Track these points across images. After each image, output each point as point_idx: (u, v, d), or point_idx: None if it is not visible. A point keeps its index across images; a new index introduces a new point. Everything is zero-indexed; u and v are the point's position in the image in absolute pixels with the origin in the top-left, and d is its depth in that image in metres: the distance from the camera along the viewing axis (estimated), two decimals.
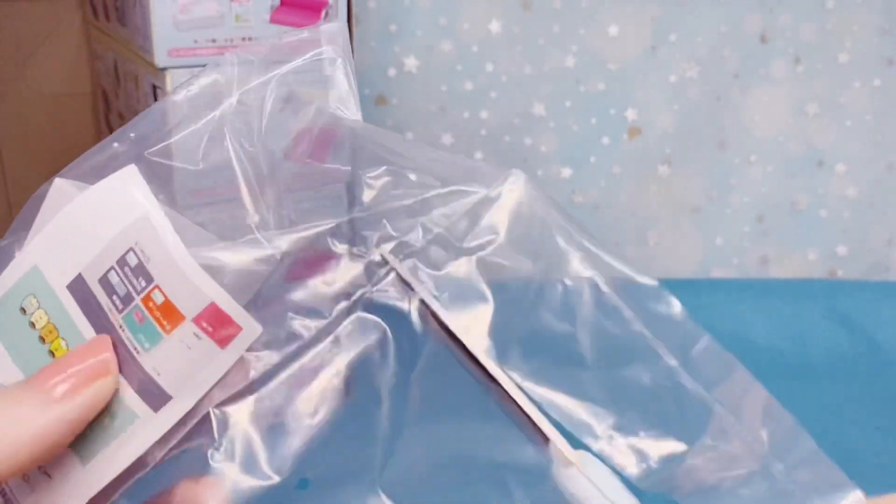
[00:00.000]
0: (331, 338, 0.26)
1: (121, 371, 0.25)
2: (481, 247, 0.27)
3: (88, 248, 0.25)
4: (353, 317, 0.26)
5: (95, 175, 0.26)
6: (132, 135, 0.28)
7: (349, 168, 0.30)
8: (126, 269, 0.25)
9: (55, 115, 0.57)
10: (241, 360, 0.25)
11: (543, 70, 0.67)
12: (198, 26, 0.42)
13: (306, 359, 0.26)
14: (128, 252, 0.24)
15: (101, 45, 0.54)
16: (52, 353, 0.25)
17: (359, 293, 0.27)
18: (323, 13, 0.45)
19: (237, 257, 0.26)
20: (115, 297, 0.25)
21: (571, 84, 0.67)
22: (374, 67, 0.65)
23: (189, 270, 0.24)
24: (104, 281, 0.25)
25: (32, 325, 0.26)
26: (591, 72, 0.67)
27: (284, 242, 0.27)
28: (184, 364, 0.24)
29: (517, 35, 0.65)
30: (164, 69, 0.42)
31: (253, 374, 0.25)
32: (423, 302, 0.27)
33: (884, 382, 0.64)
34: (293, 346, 0.26)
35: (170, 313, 0.24)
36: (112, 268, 0.25)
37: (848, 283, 0.74)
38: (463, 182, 0.28)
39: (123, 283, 0.25)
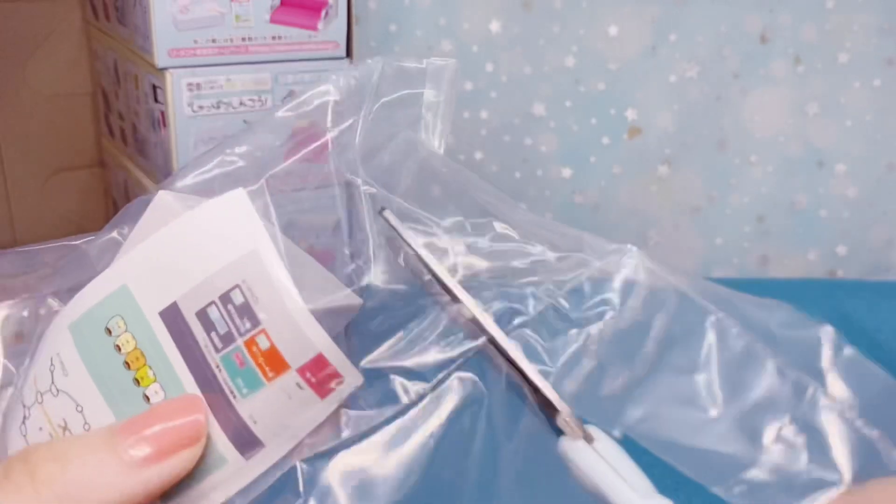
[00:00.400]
0: (427, 399, 0.25)
1: (214, 413, 0.23)
2: (595, 318, 0.26)
3: (188, 276, 0.23)
4: (452, 377, 0.25)
5: (202, 191, 0.25)
6: (240, 149, 0.27)
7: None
8: (230, 306, 0.23)
9: (55, 115, 0.57)
10: (335, 412, 0.24)
11: (543, 70, 0.67)
12: (198, 26, 0.42)
13: (402, 420, 0.25)
14: (233, 289, 0.23)
15: (101, 45, 0.54)
16: (136, 381, 0.24)
17: (462, 359, 0.25)
18: (323, 13, 0.45)
19: (336, 308, 0.25)
20: (213, 335, 0.23)
21: (571, 84, 0.67)
22: None
23: (300, 318, 0.23)
24: (202, 315, 0.23)
25: (118, 348, 0.24)
26: (591, 72, 0.67)
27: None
28: (281, 412, 0.23)
29: (517, 35, 0.65)
30: (164, 69, 0.42)
31: (347, 431, 0.24)
32: (426, 267, 0.26)
33: None
34: (391, 409, 0.25)
35: (274, 361, 0.23)
36: (213, 302, 0.23)
37: (848, 283, 0.74)
38: (573, 251, 0.27)
39: (225, 322, 0.23)
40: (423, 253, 0.26)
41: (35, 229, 0.58)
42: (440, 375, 0.25)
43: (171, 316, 0.23)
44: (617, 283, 0.27)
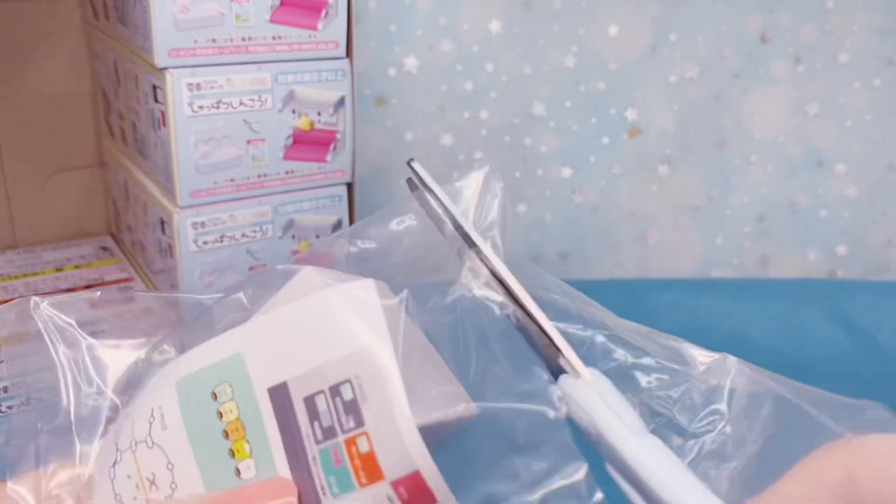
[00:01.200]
0: None
1: None
2: (707, 430, 0.26)
3: (303, 359, 0.23)
4: None
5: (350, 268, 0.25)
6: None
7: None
8: (338, 399, 0.23)
9: (55, 115, 0.57)
10: None
11: (543, 70, 0.67)
12: (198, 26, 0.42)
13: None
14: (344, 383, 0.22)
15: (101, 45, 0.54)
16: (232, 453, 0.24)
17: (559, 484, 0.24)
18: (323, 13, 0.45)
19: (449, 421, 0.24)
20: (316, 425, 0.23)
21: (571, 84, 0.67)
22: (374, 67, 0.65)
23: (405, 430, 0.22)
24: (310, 402, 0.23)
25: (220, 415, 0.24)
26: (591, 72, 0.67)
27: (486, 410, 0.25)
28: None
29: (517, 35, 0.65)
30: (164, 69, 0.42)
31: None
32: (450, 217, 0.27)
33: (884, 382, 0.64)
34: None
35: (370, 467, 0.22)
36: (322, 392, 0.23)
37: (848, 283, 0.74)
38: (673, 360, 0.27)
39: (330, 414, 0.23)
40: (448, 202, 0.27)
41: (35, 229, 0.58)
42: None
43: (279, 395, 0.23)
44: (723, 394, 0.26)
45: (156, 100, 0.44)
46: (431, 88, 0.66)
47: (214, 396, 0.24)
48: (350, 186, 0.50)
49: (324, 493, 0.23)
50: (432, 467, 0.22)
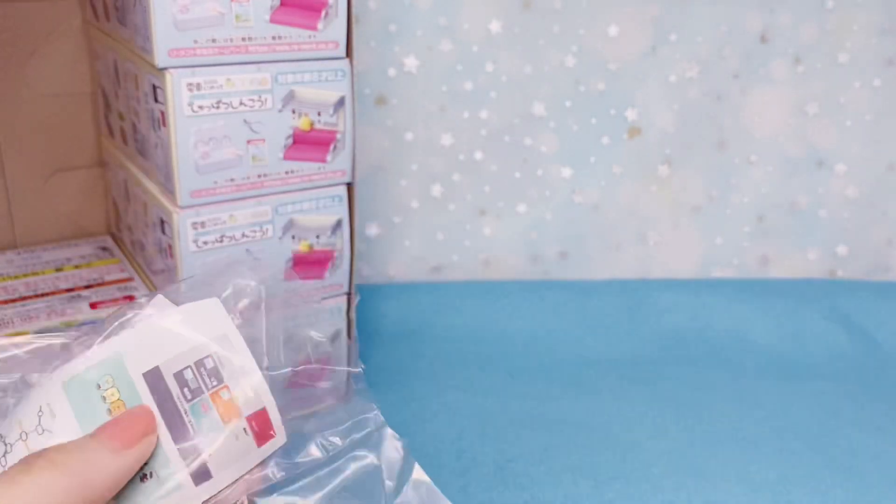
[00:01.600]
0: (341, 461, 0.34)
1: (177, 446, 0.30)
2: None
3: (170, 348, 0.31)
4: (356, 451, 0.34)
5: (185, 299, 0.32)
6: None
7: None
8: (202, 370, 0.31)
9: (55, 115, 0.57)
10: (267, 460, 0.31)
11: (543, 70, 0.67)
12: (198, 26, 0.42)
13: (313, 477, 0.33)
14: (206, 357, 0.31)
15: (101, 45, 0.54)
16: None
17: (369, 430, 0.34)
18: (323, 13, 0.45)
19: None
20: (185, 389, 0.30)
21: (571, 84, 0.67)
22: (374, 67, 0.65)
23: (256, 381, 0.31)
24: (179, 375, 0.30)
25: (104, 398, 0.30)
26: (591, 72, 0.67)
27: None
28: (228, 452, 0.30)
29: (517, 35, 0.65)
30: (164, 69, 0.42)
31: (279, 476, 0.32)
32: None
33: (884, 382, 0.64)
34: (313, 462, 0.33)
35: (231, 409, 0.30)
36: (189, 367, 0.31)
37: (848, 283, 0.74)
38: None
39: (197, 380, 0.30)
40: None
41: (35, 229, 0.58)
42: (347, 441, 0.34)
43: (153, 376, 0.30)
44: None
45: (156, 100, 0.44)
46: (431, 88, 0.66)
47: (98, 386, 0.30)
48: (350, 186, 0.50)
49: (196, 435, 0.30)
50: (273, 406, 0.31)
